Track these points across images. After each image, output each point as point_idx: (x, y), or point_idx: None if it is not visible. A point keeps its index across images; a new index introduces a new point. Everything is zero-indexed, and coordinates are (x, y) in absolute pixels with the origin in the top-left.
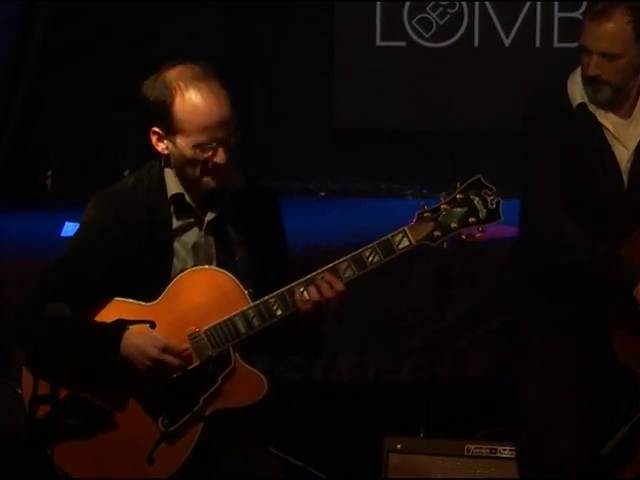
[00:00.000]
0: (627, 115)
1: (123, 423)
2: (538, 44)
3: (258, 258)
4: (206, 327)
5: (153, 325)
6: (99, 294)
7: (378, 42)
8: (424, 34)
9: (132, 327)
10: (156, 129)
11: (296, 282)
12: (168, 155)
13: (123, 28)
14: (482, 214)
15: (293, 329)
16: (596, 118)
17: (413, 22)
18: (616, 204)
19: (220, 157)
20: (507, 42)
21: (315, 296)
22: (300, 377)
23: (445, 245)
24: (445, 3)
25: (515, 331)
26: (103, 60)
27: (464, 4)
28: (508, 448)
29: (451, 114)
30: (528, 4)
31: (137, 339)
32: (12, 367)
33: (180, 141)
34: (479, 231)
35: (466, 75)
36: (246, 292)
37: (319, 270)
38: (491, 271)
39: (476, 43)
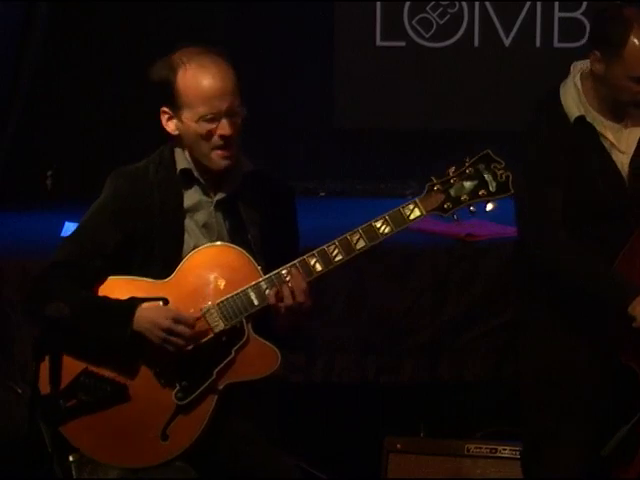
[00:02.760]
0: (621, 119)
1: (137, 398)
2: (538, 44)
3: (270, 239)
4: (218, 301)
5: (166, 302)
6: (112, 269)
7: (378, 42)
8: (424, 34)
9: (144, 303)
10: (165, 109)
11: (309, 253)
12: (179, 136)
13: (123, 28)
14: (492, 186)
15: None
16: (595, 129)
17: (413, 22)
18: (620, 209)
19: (224, 129)
20: (507, 42)
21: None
22: (300, 377)
23: (455, 217)
24: (445, 3)
25: (519, 331)
26: (103, 60)
27: (464, 4)
28: (508, 448)
29: (451, 114)
30: (528, 4)
31: (149, 312)
32: (12, 367)
33: (185, 116)
34: (490, 204)
35: (466, 75)
36: (259, 267)
37: (333, 240)
38: (490, 271)
39: (476, 43)
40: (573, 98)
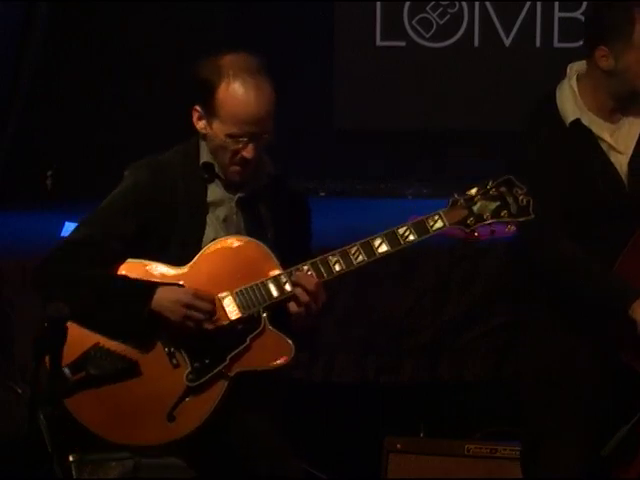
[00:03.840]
0: (617, 120)
1: (147, 376)
2: (538, 44)
3: (285, 241)
4: (237, 289)
5: (181, 287)
6: (128, 253)
7: (378, 42)
8: (424, 34)
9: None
10: (198, 108)
11: (331, 252)
12: (205, 135)
13: (123, 28)
14: (514, 209)
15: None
16: (591, 131)
17: (413, 22)
18: (619, 209)
19: (249, 152)
20: (507, 42)
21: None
22: (300, 377)
23: (477, 234)
24: (445, 3)
25: (520, 331)
26: (103, 60)
27: (464, 4)
28: (508, 448)
29: (451, 114)
30: (528, 4)
31: (169, 292)
32: (12, 367)
33: (216, 126)
34: (508, 226)
35: (466, 75)
36: (277, 262)
37: (355, 242)
38: (491, 271)
39: (476, 43)
40: (569, 100)
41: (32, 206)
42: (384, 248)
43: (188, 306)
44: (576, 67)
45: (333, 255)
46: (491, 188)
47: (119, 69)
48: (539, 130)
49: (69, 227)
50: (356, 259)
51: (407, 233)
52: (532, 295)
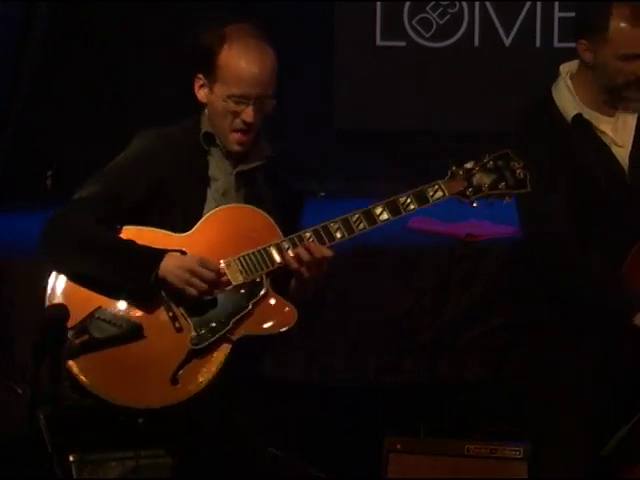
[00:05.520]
0: (613, 113)
1: (151, 339)
2: (538, 44)
3: (278, 220)
4: (239, 255)
5: (184, 254)
6: (134, 216)
7: (378, 42)
8: (424, 34)
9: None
10: (199, 76)
11: (332, 220)
12: (206, 104)
13: (123, 28)
14: (511, 181)
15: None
16: (592, 125)
17: (413, 22)
18: (622, 202)
19: (248, 115)
20: (507, 42)
21: (305, 256)
22: (300, 377)
23: (475, 204)
24: (445, 3)
25: (521, 332)
26: (103, 60)
27: (464, 4)
28: (508, 448)
29: (451, 114)
30: (528, 4)
31: (175, 259)
32: (12, 367)
33: (217, 89)
34: (506, 198)
35: (466, 75)
36: (279, 230)
37: (356, 211)
38: (490, 271)
39: (476, 43)
40: (567, 97)
41: (32, 206)
42: (385, 216)
43: (192, 272)
44: (568, 67)
45: (335, 222)
46: (488, 161)
47: (119, 69)
48: (540, 128)
49: None
50: (357, 226)
51: (408, 201)
52: (532, 295)
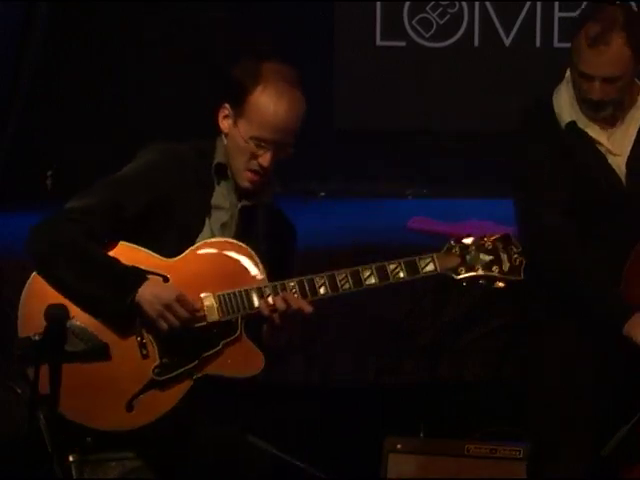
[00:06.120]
0: (614, 123)
1: (115, 361)
2: (538, 44)
3: (274, 260)
4: (220, 293)
5: (166, 280)
6: (126, 233)
7: (378, 42)
8: (424, 34)
9: (150, 276)
10: (227, 106)
11: (318, 274)
12: (226, 135)
13: (123, 28)
14: (505, 267)
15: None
16: (587, 134)
17: (413, 22)
18: (620, 210)
19: (265, 160)
20: (507, 42)
21: (282, 305)
22: (300, 378)
23: (464, 284)
24: (445, 3)
25: (521, 332)
26: (103, 60)
27: (464, 4)
28: (508, 448)
29: (451, 114)
30: (528, 4)
31: (155, 287)
32: (12, 367)
33: (242, 126)
34: (497, 283)
35: (466, 75)
36: (265, 274)
37: (344, 270)
38: None
39: (476, 43)
40: (566, 103)
41: (32, 206)
42: (372, 281)
43: (167, 307)
44: None
45: (320, 277)
46: (487, 241)
47: (119, 69)
48: (540, 129)
49: None
50: (342, 286)
51: (397, 270)
52: (532, 295)
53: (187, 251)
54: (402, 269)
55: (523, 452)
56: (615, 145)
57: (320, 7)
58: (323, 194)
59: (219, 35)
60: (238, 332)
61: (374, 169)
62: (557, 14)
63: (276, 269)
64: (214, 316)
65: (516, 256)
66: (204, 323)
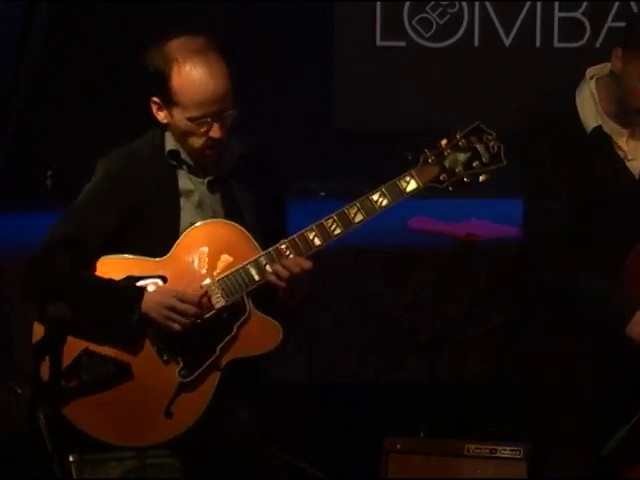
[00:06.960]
0: (629, 126)
1: (140, 376)
2: (538, 44)
3: (263, 220)
4: (218, 277)
5: (164, 280)
6: (108, 248)
7: (378, 42)
8: (424, 34)
9: (149, 287)
10: (155, 99)
11: (308, 227)
12: (168, 124)
13: (123, 28)
14: (485, 158)
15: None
16: (611, 139)
17: (413, 22)
18: (634, 216)
19: (215, 132)
20: (507, 42)
21: (283, 272)
22: (300, 377)
23: (451, 189)
24: (445, 3)
25: (521, 332)
26: (103, 60)
27: (464, 4)
28: (508, 448)
29: (451, 114)
30: (528, 4)
31: (155, 295)
32: (12, 367)
33: (176, 113)
34: (482, 177)
35: (466, 75)
36: (256, 243)
37: (331, 214)
38: (490, 271)
39: (476, 43)
40: (590, 106)
41: (32, 206)
42: (360, 217)
43: (172, 309)
44: (594, 70)
45: (310, 230)
46: (460, 139)
47: (119, 69)
48: (553, 131)
49: None
50: (333, 231)
51: (381, 199)
52: (532, 295)
53: (175, 245)
54: (385, 196)
55: (523, 452)
56: (631, 150)
57: (320, 7)
58: (323, 194)
59: (219, 35)
60: (247, 310)
61: (374, 169)
62: (557, 14)
63: (270, 226)
64: (220, 302)
65: (492, 143)
66: (213, 311)
